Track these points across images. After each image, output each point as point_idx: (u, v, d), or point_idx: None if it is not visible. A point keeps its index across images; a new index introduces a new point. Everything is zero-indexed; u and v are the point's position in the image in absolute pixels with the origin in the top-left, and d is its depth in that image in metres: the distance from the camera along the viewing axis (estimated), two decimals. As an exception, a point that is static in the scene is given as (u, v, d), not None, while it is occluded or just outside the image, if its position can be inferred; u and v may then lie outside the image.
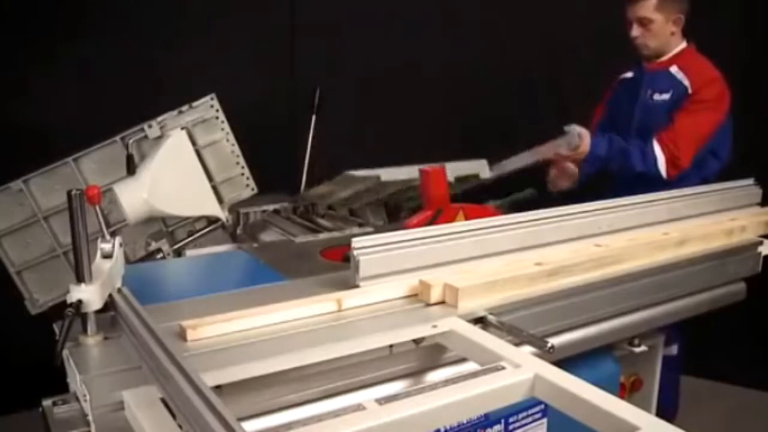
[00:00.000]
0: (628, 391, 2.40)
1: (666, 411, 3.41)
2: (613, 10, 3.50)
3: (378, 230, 2.58)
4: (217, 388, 1.32)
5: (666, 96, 3.34)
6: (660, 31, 3.34)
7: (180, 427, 1.20)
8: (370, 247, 1.81)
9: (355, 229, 2.69)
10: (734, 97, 3.33)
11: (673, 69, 3.36)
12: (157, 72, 4.05)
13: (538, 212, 2.13)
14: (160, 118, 2.78)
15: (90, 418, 1.33)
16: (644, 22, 3.34)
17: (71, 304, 1.54)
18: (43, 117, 3.75)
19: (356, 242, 1.80)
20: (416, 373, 1.65)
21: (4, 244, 2.83)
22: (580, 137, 3.19)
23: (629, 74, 3.59)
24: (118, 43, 3.98)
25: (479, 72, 4.51)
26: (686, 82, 3.30)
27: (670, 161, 3.20)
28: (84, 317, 1.58)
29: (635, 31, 3.37)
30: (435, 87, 4.56)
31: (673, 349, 3.42)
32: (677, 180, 3.16)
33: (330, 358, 1.47)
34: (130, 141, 2.78)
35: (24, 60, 3.80)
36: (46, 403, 1.45)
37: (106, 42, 3.97)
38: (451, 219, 2.56)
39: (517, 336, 1.67)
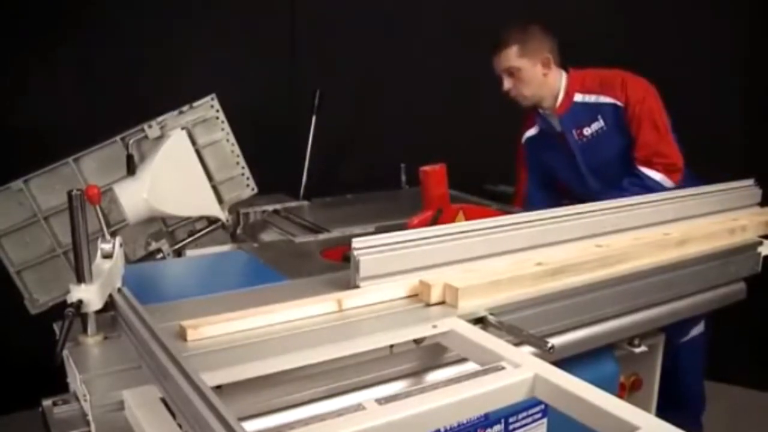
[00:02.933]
0: (627, 391, 2.40)
1: (692, 406, 3.34)
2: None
3: (379, 230, 2.57)
4: (217, 388, 1.32)
5: (598, 124, 3.13)
6: (532, 78, 3.14)
7: (180, 427, 1.20)
8: (371, 248, 1.81)
9: (356, 229, 2.68)
10: (734, 97, 3.33)
11: (578, 98, 3.15)
12: (158, 72, 4.04)
13: (539, 212, 2.13)
14: (160, 118, 2.78)
15: (90, 418, 1.33)
16: (512, 72, 3.14)
17: (71, 304, 1.54)
18: (43, 117, 3.75)
19: (356, 242, 1.80)
20: (416, 373, 1.66)
21: (4, 244, 2.83)
22: None
23: (532, 131, 3.41)
24: (118, 43, 3.98)
25: (478, 73, 4.51)
26: (607, 99, 3.11)
27: (668, 171, 3.06)
28: (84, 317, 1.57)
29: (507, 83, 3.17)
30: (434, 88, 4.56)
31: (700, 327, 3.26)
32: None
33: (330, 358, 1.47)
34: (131, 141, 2.78)
35: (24, 60, 3.80)
36: (46, 403, 1.44)
37: (107, 42, 3.97)
38: (451, 219, 2.56)
39: (517, 336, 1.67)
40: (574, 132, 3.16)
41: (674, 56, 3.38)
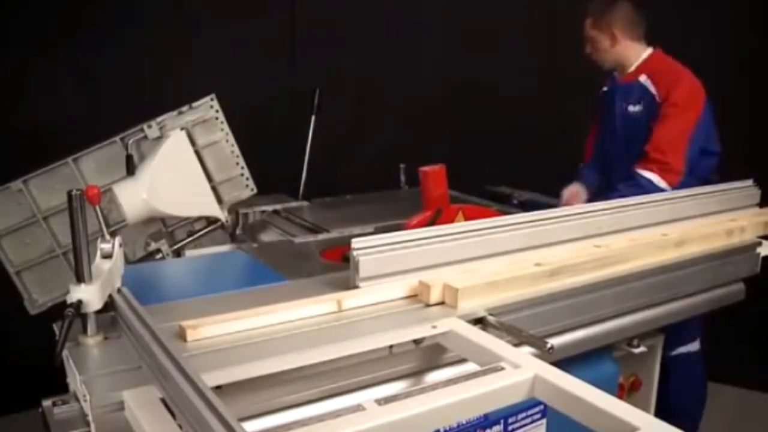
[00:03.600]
0: (626, 391, 2.40)
1: (685, 416, 3.33)
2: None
3: (378, 231, 2.58)
4: (217, 389, 1.32)
5: (638, 107, 3.35)
6: (601, 47, 3.41)
7: (180, 427, 1.20)
8: (370, 248, 1.81)
9: (355, 230, 2.68)
10: (733, 96, 3.33)
11: (642, 78, 3.36)
12: (157, 72, 4.05)
13: (538, 213, 2.13)
14: (159, 119, 2.78)
15: (90, 418, 1.34)
16: (588, 40, 3.44)
17: (71, 305, 1.54)
18: (43, 117, 3.75)
19: (356, 243, 1.80)
20: (416, 374, 1.66)
21: (3, 244, 2.83)
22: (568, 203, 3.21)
23: (605, 88, 3.61)
24: (117, 43, 3.99)
25: (478, 74, 4.52)
26: (653, 90, 3.30)
27: (662, 172, 3.13)
28: (84, 317, 1.58)
29: (587, 48, 3.47)
30: (434, 89, 4.56)
31: (695, 345, 3.36)
32: (679, 186, 3.06)
33: (330, 358, 1.48)
34: (130, 141, 2.78)
35: (24, 60, 3.80)
36: (46, 403, 1.45)
37: (106, 42, 3.97)
38: (450, 219, 2.56)
39: (517, 336, 1.67)
40: (623, 104, 3.39)
41: (674, 55, 3.39)
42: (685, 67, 3.32)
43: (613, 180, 3.31)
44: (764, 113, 3.98)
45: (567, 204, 3.15)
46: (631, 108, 3.37)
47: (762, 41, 4.01)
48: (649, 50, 3.41)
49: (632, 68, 3.40)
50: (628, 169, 3.22)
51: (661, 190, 3.05)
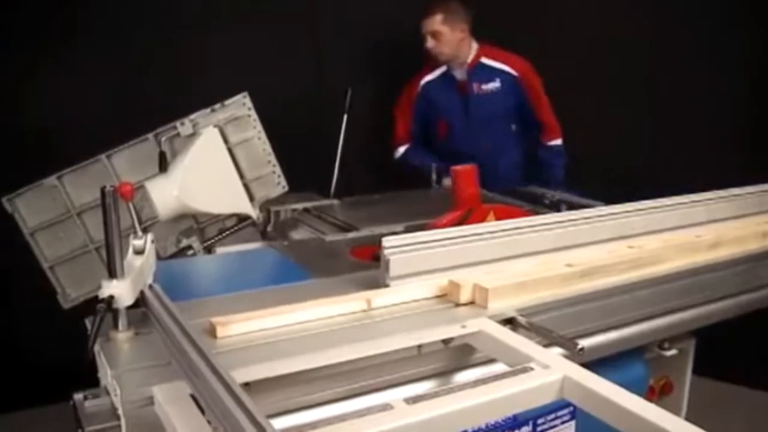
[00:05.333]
0: (657, 394, 2.38)
1: None
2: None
3: (408, 230, 2.57)
4: (246, 385, 1.32)
5: (494, 84, 4.08)
6: (450, 41, 4.02)
7: (209, 423, 1.20)
8: (401, 247, 1.81)
9: (385, 229, 2.68)
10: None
11: (484, 60, 4.10)
12: (190, 70, 4.08)
13: (570, 213, 2.12)
14: (192, 116, 2.79)
15: (120, 412, 1.35)
16: (435, 35, 4.00)
17: (103, 300, 1.55)
18: (76, 114, 3.79)
19: (386, 241, 1.80)
20: (444, 374, 1.65)
21: (38, 239, 2.86)
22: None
23: (430, 76, 4.24)
24: (150, 41, 4.02)
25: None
26: (506, 68, 4.08)
27: (559, 134, 4.19)
28: (115, 313, 1.59)
29: (429, 43, 4.03)
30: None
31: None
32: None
33: (359, 357, 1.47)
34: (163, 138, 2.79)
35: (54, 58, 3.83)
36: (78, 396, 1.46)
37: (139, 41, 4.00)
38: (481, 219, 2.55)
39: (547, 337, 1.66)
40: (475, 85, 4.10)
41: (689, 55, 3.47)
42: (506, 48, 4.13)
43: (480, 149, 3.98)
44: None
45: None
46: (485, 86, 4.09)
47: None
48: (475, 44, 4.12)
49: (470, 58, 4.10)
50: (494, 136, 4.14)
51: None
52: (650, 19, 4.34)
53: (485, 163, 3.49)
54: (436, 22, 3.99)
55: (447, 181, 3.80)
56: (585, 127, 4.21)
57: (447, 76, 4.19)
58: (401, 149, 4.34)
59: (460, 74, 4.15)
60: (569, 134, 4.24)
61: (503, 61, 4.10)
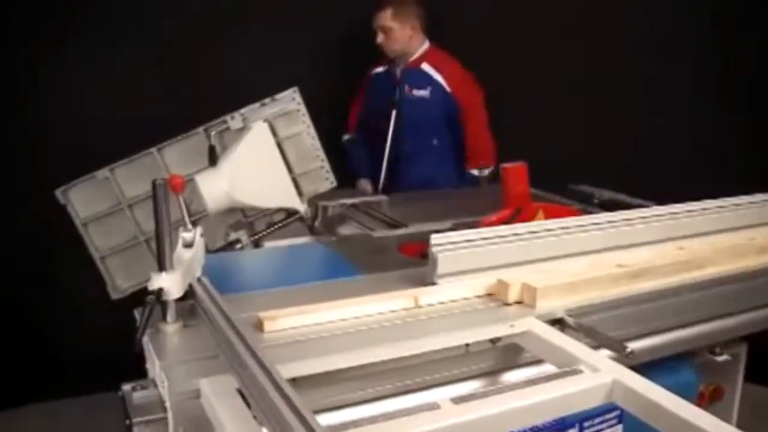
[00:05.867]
0: (707, 400, 2.33)
1: None
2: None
3: (456, 227, 2.56)
4: (292, 381, 1.32)
5: (424, 92, 4.02)
6: (399, 37, 4.00)
7: (254, 417, 1.20)
8: (449, 244, 1.80)
9: (434, 226, 2.67)
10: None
11: (425, 66, 4.04)
12: (240, 64, 4.10)
13: (620, 213, 2.09)
14: (242, 110, 2.80)
15: (167, 404, 1.36)
16: (385, 30, 3.99)
17: (152, 292, 1.56)
18: (130, 107, 3.82)
19: (435, 239, 1.79)
20: (491, 373, 1.64)
21: (89, 230, 2.90)
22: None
23: (380, 69, 4.23)
24: (201, 36, 4.05)
25: (568, 72, 4.46)
26: (441, 80, 4.01)
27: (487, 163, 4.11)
28: (164, 305, 1.60)
29: (379, 38, 4.02)
30: (519, 85, 4.52)
31: None
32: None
33: (406, 355, 1.47)
34: (213, 132, 2.81)
35: (113, 51, 3.88)
36: (126, 387, 1.47)
37: (191, 35, 4.04)
38: (530, 218, 2.52)
39: (596, 339, 1.64)
40: (407, 87, 4.05)
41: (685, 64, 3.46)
42: (455, 58, 4.09)
43: (402, 150, 4.06)
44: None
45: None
46: (416, 92, 4.03)
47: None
48: (427, 42, 4.10)
49: (414, 57, 4.07)
50: (415, 143, 4.07)
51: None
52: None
53: (403, 167, 3.90)
54: (387, 17, 3.99)
55: (362, 184, 4.20)
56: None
57: (388, 72, 4.19)
58: (345, 136, 4.37)
59: (398, 72, 4.15)
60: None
61: (442, 72, 4.06)
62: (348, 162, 4.21)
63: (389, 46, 4.03)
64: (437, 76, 4.03)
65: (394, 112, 4.08)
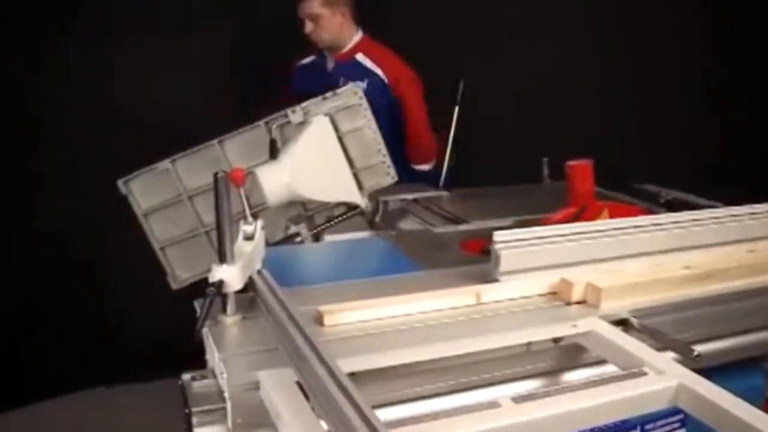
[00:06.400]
0: (776, 407, 2.27)
1: None
2: None
3: (518, 224, 2.53)
4: (351, 375, 1.31)
5: (361, 84, 3.61)
6: (329, 25, 3.73)
7: (313, 410, 1.20)
8: (512, 241, 1.78)
9: (495, 222, 2.64)
10: None
11: (360, 57, 3.82)
12: (304, 57, 4.11)
13: (686, 213, 2.04)
14: (304, 104, 2.81)
15: (226, 395, 1.35)
16: (313, 18, 3.71)
17: (213, 284, 1.57)
18: (191, 99, 3.86)
19: (498, 236, 1.77)
20: (553, 373, 1.61)
21: (150, 221, 2.92)
22: None
23: (306, 60, 3.97)
24: (263, 28, 4.08)
25: (632, 68, 4.41)
26: (378, 71, 3.77)
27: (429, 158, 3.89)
28: (224, 297, 1.61)
29: (308, 27, 3.73)
30: (584, 82, 4.47)
31: None
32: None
33: (467, 352, 1.45)
34: (274, 126, 2.82)
35: (173, 43, 3.92)
36: (186, 377, 1.47)
37: (253, 26, 4.07)
38: (595, 217, 2.49)
39: (661, 341, 1.60)
40: (341, 80, 3.59)
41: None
42: (393, 52, 3.86)
43: None
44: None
45: None
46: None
47: None
48: (360, 32, 3.86)
49: (347, 48, 3.83)
50: None
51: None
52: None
53: None
54: (315, 4, 3.72)
55: None
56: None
57: (318, 64, 3.94)
58: None
59: (330, 65, 3.89)
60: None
61: (379, 63, 3.81)
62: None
63: (319, 35, 3.77)
64: (375, 68, 3.81)
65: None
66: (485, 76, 4.35)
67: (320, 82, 3.66)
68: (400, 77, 3.80)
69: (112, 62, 3.97)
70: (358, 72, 3.74)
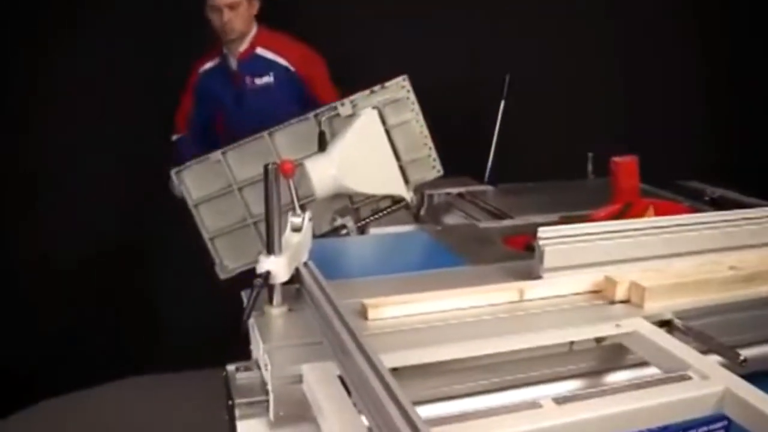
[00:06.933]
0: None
1: None
2: None
3: (562, 220, 2.52)
4: (394, 371, 1.32)
5: (268, 78, 3.69)
6: (244, 13, 3.61)
7: (354, 405, 1.21)
8: (556, 238, 1.77)
9: (539, 218, 2.63)
10: None
11: (260, 51, 3.71)
12: (352, 52, 4.13)
13: (732, 212, 2.01)
14: (352, 97, 2.83)
15: (269, 387, 1.37)
16: (233, 6, 3.55)
17: (260, 275, 1.59)
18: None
19: (542, 232, 1.76)
20: (594, 373, 1.61)
21: (201, 211, 2.97)
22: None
23: (210, 64, 3.82)
24: (314, 24, 4.10)
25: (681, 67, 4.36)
26: (282, 61, 3.69)
27: None
28: (271, 288, 1.62)
29: (226, 15, 3.55)
30: (629, 78, 4.44)
31: None
32: None
33: (511, 349, 1.46)
34: (323, 118, 2.84)
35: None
36: (230, 368, 1.50)
37: (305, 22, 4.09)
38: (640, 214, 2.47)
39: (706, 344, 1.58)
40: (247, 78, 3.71)
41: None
42: (291, 36, 3.76)
43: None
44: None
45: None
46: (258, 81, 3.70)
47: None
48: (256, 25, 3.73)
49: (246, 43, 3.70)
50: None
51: None
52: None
53: None
54: None
55: None
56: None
57: (222, 66, 3.79)
58: (174, 137, 3.93)
59: (234, 64, 3.76)
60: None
61: (279, 52, 3.71)
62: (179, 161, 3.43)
63: (233, 26, 3.60)
64: (277, 59, 3.71)
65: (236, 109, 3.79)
66: (531, 71, 4.33)
67: (227, 84, 3.77)
68: (303, 58, 3.74)
69: (112, 62, 4.06)
70: (262, 66, 3.71)
